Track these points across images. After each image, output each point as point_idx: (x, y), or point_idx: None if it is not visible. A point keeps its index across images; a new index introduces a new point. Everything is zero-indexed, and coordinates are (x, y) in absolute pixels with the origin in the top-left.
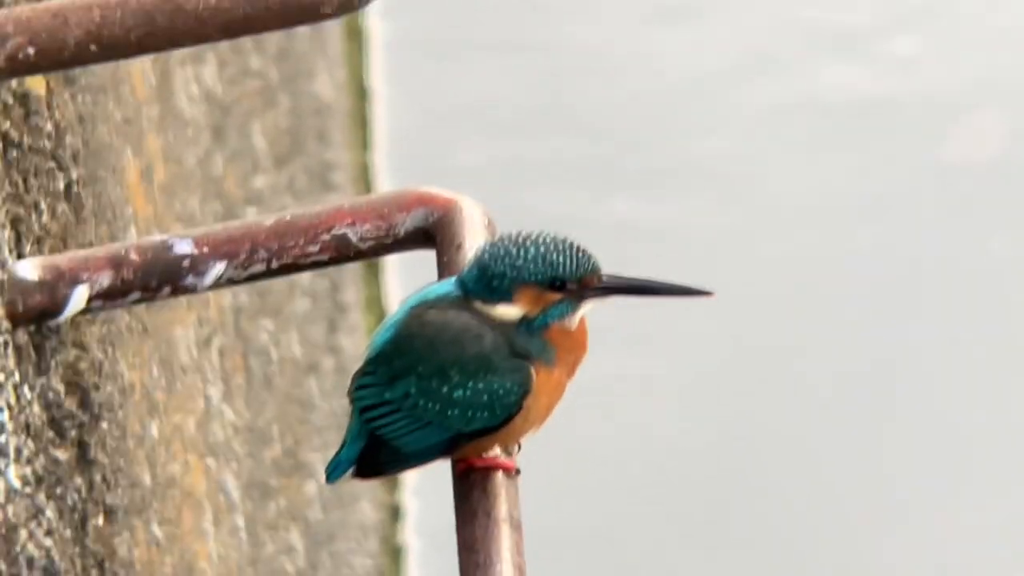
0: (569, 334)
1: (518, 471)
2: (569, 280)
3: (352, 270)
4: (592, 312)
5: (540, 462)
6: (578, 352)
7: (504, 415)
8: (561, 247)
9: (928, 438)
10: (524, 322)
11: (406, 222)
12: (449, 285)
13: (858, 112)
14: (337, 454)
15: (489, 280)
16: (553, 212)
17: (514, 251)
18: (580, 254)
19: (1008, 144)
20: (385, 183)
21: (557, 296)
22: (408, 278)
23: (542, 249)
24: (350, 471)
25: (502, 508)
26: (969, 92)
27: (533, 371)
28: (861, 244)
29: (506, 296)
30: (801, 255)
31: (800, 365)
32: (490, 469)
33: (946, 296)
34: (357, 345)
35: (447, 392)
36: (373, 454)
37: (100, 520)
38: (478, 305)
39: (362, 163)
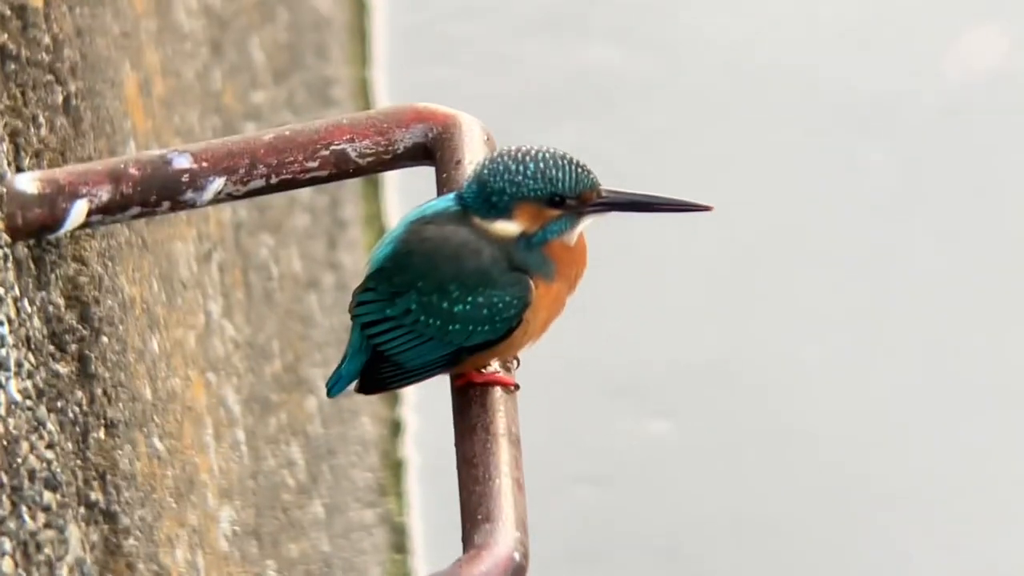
0: (568, 249)
1: (517, 386)
2: (568, 196)
3: (351, 186)
4: (591, 227)
5: (538, 378)
6: (577, 267)
7: (505, 328)
8: (560, 163)
9: (924, 366)
10: (523, 238)
11: (405, 138)
12: (448, 201)
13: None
14: (338, 368)
15: (488, 196)
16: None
17: (513, 167)
18: (579, 170)
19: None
20: (384, 99)
21: (556, 212)
22: (407, 194)
23: (541, 165)
24: (351, 385)
25: (500, 423)
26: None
27: (532, 284)
28: (860, 159)
29: (505, 212)
30: (798, 167)
31: (798, 280)
32: (489, 384)
33: (948, 213)
34: (357, 261)
35: (448, 307)
36: (375, 369)
37: (101, 433)
38: (477, 221)
39: (361, 78)
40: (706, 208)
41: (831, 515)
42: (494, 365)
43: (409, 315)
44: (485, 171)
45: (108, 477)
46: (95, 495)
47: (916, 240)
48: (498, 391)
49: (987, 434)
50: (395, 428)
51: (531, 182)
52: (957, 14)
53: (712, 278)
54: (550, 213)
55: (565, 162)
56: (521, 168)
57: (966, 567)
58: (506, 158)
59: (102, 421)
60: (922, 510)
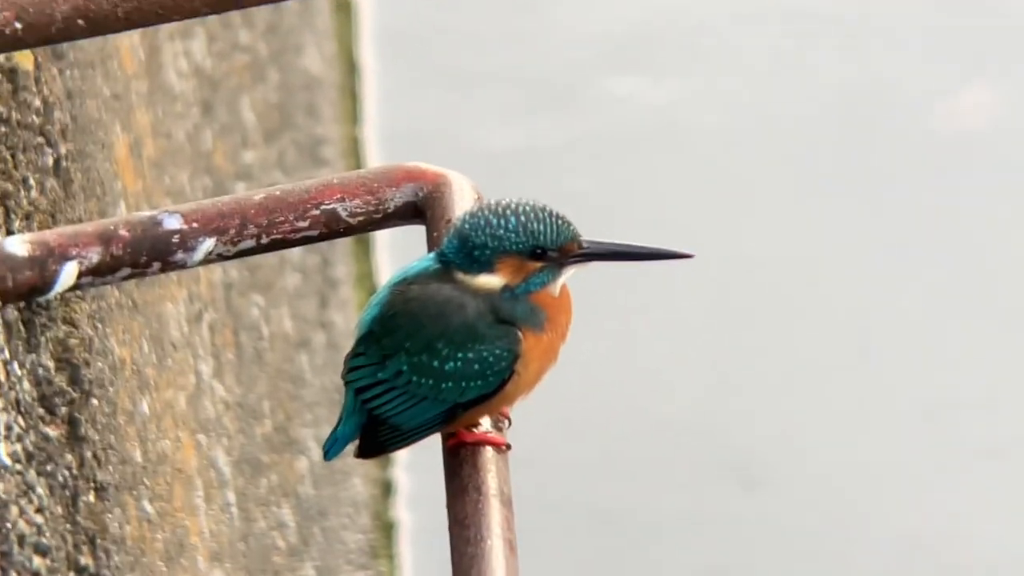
0: (553, 299)
1: (508, 446)
2: (550, 248)
3: (343, 245)
4: (574, 277)
5: (529, 438)
6: (563, 316)
7: (498, 381)
8: (541, 216)
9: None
10: (507, 290)
11: (395, 197)
12: (428, 260)
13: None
14: (333, 431)
15: (470, 251)
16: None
17: (494, 221)
18: (560, 222)
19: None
20: (374, 158)
21: (538, 264)
22: (398, 253)
23: (522, 218)
24: (347, 447)
25: (492, 483)
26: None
27: (521, 335)
28: (846, 214)
29: (487, 266)
30: (786, 225)
31: (783, 324)
32: (480, 444)
33: (935, 266)
34: (348, 321)
35: (438, 365)
36: (373, 433)
37: (91, 497)
38: (460, 276)
39: (352, 137)
40: (687, 256)
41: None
42: (485, 424)
43: (401, 376)
44: (466, 226)
45: (98, 541)
46: (84, 559)
47: (902, 294)
48: (489, 451)
49: (979, 485)
50: (387, 489)
51: (513, 235)
52: (946, 72)
53: (694, 328)
54: (532, 265)
55: (546, 215)
56: (502, 222)
57: None
58: (487, 212)
59: (92, 484)
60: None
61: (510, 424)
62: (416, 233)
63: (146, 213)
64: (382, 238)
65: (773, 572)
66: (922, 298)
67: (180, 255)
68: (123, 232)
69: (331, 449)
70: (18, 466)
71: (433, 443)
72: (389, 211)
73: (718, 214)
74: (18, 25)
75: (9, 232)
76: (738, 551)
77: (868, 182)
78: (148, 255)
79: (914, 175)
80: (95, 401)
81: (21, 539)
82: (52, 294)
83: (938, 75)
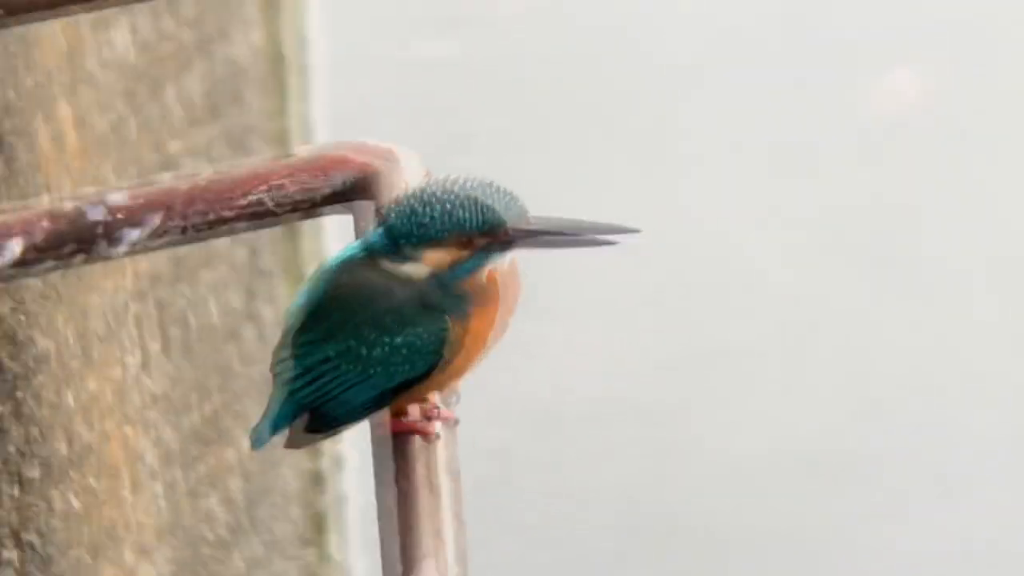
0: (483, 285)
1: (438, 436)
2: (475, 235)
3: (271, 235)
4: (506, 261)
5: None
6: (495, 302)
7: (425, 366)
8: (466, 203)
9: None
10: (433, 279)
11: (324, 185)
12: (355, 248)
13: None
14: (261, 420)
15: (395, 239)
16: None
17: (420, 209)
18: (485, 209)
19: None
20: (302, 147)
21: (465, 252)
22: (328, 243)
23: (448, 206)
24: (275, 437)
25: (420, 473)
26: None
27: (448, 321)
28: (777, 197)
29: (413, 255)
30: (719, 206)
31: (732, 318)
32: (409, 433)
33: (872, 251)
34: (277, 311)
35: (366, 352)
36: (302, 422)
37: (15, 491)
38: (386, 264)
39: (280, 128)
40: (634, 231)
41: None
42: (414, 413)
43: (328, 363)
44: (391, 215)
45: (22, 535)
46: (7, 553)
47: (838, 280)
48: (418, 440)
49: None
50: (316, 479)
51: (438, 223)
52: (875, 57)
53: (645, 315)
54: (459, 253)
55: (471, 201)
56: (427, 210)
57: None
58: (412, 200)
59: (16, 478)
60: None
61: (458, 400)
62: (345, 222)
63: (70, 204)
64: (311, 227)
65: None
66: (854, 280)
67: (105, 246)
68: (46, 223)
69: (258, 439)
70: None
71: (363, 433)
72: (317, 200)
73: (657, 186)
74: None
75: None
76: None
77: (798, 164)
78: (72, 246)
79: (844, 158)
80: (20, 394)
81: None
82: None
83: (864, 59)
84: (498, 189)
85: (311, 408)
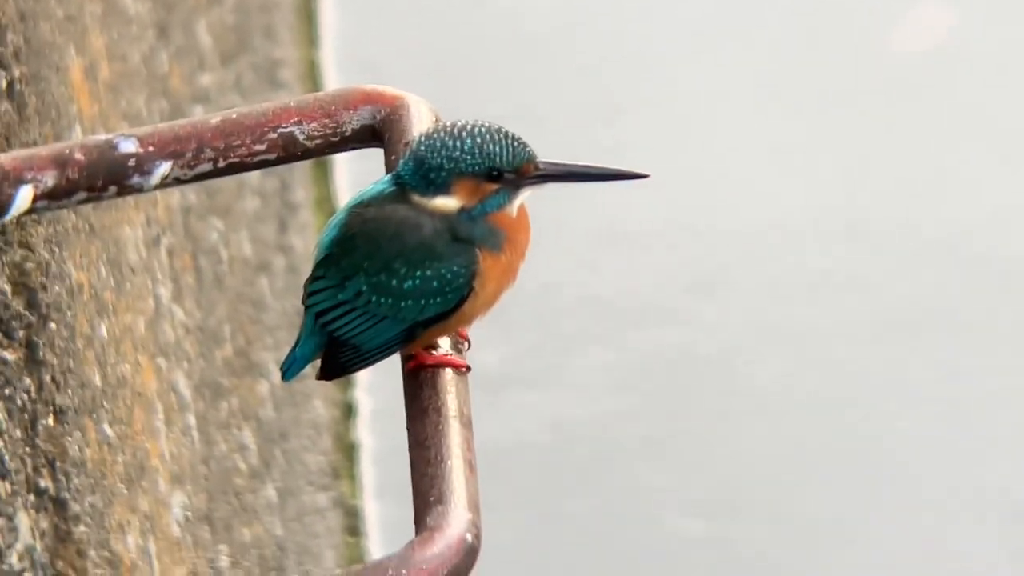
0: (510, 220)
1: (468, 368)
2: (506, 170)
3: (301, 168)
4: (531, 198)
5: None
6: (521, 235)
7: (456, 298)
8: (497, 137)
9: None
10: (463, 211)
11: (353, 120)
12: (385, 183)
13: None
14: (291, 352)
15: (426, 173)
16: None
17: (450, 143)
18: (516, 143)
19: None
20: (332, 81)
21: (494, 186)
22: (357, 176)
23: (478, 140)
24: (305, 368)
25: (452, 405)
26: None
27: (479, 254)
28: (802, 135)
29: (443, 188)
30: (744, 148)
31: (747, 244)
32: (440, 366)
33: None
34: (308, 244)
35: (397, 284)
36: (334, 355)
37: (50, 420)
38: (416, 198)
39: (309, 60)
40: (643, 176)
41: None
42: (445, 347)
43: (360, 297)
44: (422, 148)
45: (58, 464)
46: (44, 482)
47: (860, 227)
48: (449, 373)
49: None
50: (348, 411)
51: (469, 157)
52: None
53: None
54: (488, 187)
55: (502, 136)
56: (458, 143)
57: None
58: (442, 134)
59: (51, 408)
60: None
61: (469, 346)
62: (375, 156)
63: (102, 137)
64: (340, 161)
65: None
66: (874, 206)
67: (137, 179)
68: (79, 156)
69: (289, 370)
70: None
71: (394, 365)
72: (347, 134)
73: (675, 135)
74: None
75: None
76: (701, 478)
77: (825, 102)
78: (104, 179)
79: (871, 95)
80: (53, 325)
81: None
82: (7, 218)
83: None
84: (509, 133)
85: (342, 341)
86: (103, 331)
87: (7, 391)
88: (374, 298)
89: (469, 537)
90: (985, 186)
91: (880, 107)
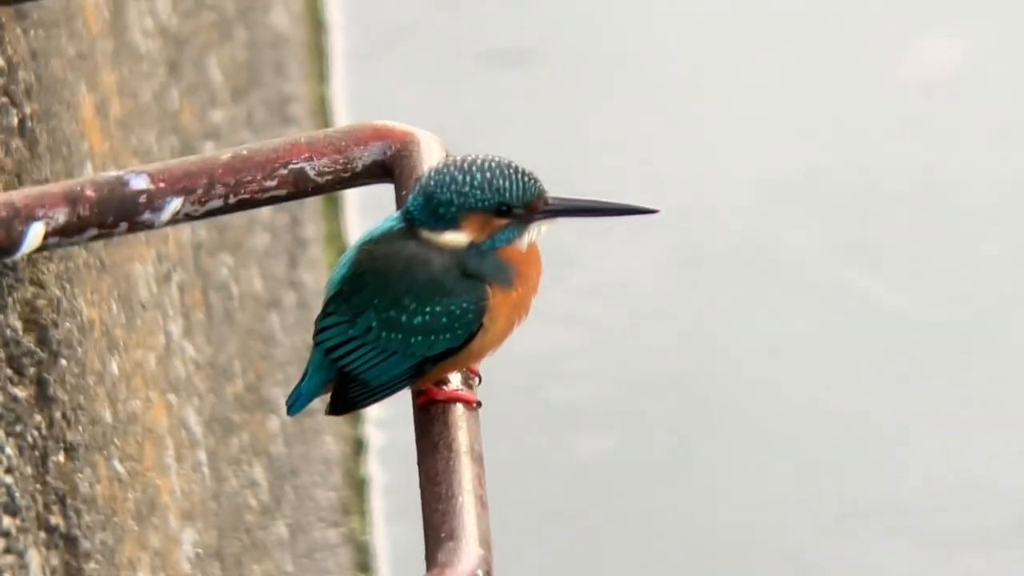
0: (521, 255)
1: (479, 403)
2: (515, 205)
3: (312, 204)
4: (541, 234)
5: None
6: (533, 270)
7: (465, 334)
8: (506, 172)
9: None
10: (472, 248)
11: (364, 156)
12: (394, 219)
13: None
14: (297, 386)
15: (435, 208)
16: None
17: (459, 178)
18: (525, 178)
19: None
20: (342, 117)
21: (504, 221)
22: (368, 212)
23: (488, 175)
24: (311, 403)
25: (463, 440)
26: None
27: (488, 289)
28: (819, 165)
29: (453, 223)
30: (758, 173)
31: (752, 283)
32: (450, 402)
33: (902, 218)
34: (318, 280)
35: (407, 320)
36: (343, 390)
37: (61, 457)
38: (425, 234)
39: (319, 96)
40: (652, 211)
41: (791, 524)
42: (456, 382)
43: (370, 332)
44: (431, 183)
45: (68, 501)
46: (55, 519)
47: (871, 250)
48: (460, 408)
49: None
50: (358, 446)
51: (478, 192)
52: (910, 22)
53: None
54: (498, 222)
55: (511, 171)
56: (467, 178)
57: None
58: (451, 169)
59: (62, 444)
60: (894, 522)
61: (480, 381)
62: (385, 192)
63: (113, 173)
64: (351, 197)
65: (744, 534)
66: (890, 236)
67: (147, 215)
68: (89, 192)
69: (294, 405)
70: None
71: (404, 401)
72: (357, 170)
73: (686, 162)
74: None
75: None
76: (698, 511)
77: (833, 131)
78: (115, 215)
79: (878, 124)
80: (64, 361)
81: None
82: (19, 255)
83: (902, 24)
84: (519, 168)
85: (352, 376)
86: (114, 367)
87: (18, 428)
88: (384, 334)
89: (480, 573)
90: (996, 213)
91: (888, 136)
